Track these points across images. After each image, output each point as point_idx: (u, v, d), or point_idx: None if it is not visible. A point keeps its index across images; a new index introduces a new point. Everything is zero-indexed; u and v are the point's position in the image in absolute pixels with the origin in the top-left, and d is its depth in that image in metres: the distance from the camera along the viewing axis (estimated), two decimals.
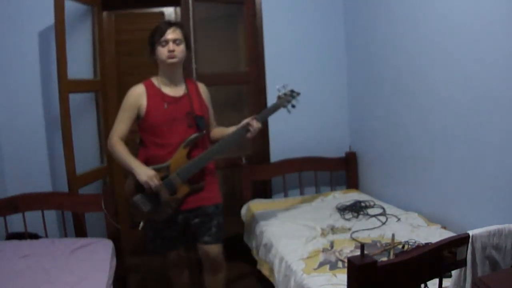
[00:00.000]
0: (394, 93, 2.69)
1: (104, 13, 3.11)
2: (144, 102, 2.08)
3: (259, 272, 2.45)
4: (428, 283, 1.20)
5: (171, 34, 2.04)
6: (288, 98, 2.29)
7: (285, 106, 2.29)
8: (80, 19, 2.94)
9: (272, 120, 3.06)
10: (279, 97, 2.30)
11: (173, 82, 2.13)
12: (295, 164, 3.12)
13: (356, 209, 2.65)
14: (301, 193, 3.16)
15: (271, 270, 2.24)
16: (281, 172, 3.11)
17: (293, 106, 2.31)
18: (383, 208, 2.61)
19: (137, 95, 2.09)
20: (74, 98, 2.72)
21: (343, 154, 3.22)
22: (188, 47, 2.13)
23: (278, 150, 3.16)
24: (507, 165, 1.88)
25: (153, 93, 2.10)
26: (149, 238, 2.20)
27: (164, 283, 2.89)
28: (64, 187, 2.66)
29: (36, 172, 2.88)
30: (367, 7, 2.93)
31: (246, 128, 2.14)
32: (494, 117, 1.93)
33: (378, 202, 2.75)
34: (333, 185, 3.22)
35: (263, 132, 3.09)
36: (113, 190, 2.96)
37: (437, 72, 2.29)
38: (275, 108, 2.27)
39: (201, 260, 2.21)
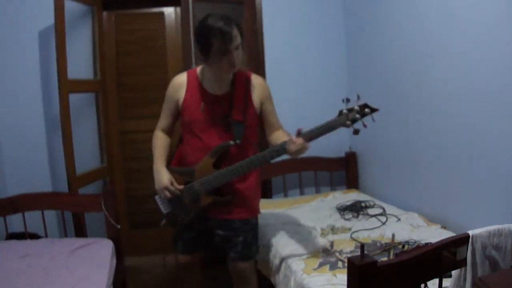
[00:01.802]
0: (394, 93, 2.69)
1: (104, 13, 3.11)
2: (182, 96, 1.88)
3: (259, 272, 2.45)
4: (428, 283, 1.20)
5: (234, 40, 1.70)
6: (353, 116, 1.66)
7: (346, 126, 1.68)
8: (80, 19, 2.94)
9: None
10: (340, 113, 1.69)
11: (220, 81, 1.87)
12: (295, 164, 3.11)
13: (356, 209, 2.64)
14: (301, 193, 3.16)
15: (271, 270, 2.23)
16: (281, 172, 3.10)
17: (365, 126, 1.67)
18: (383, 208, 2.61)
19: (177, 86, 1.91)
20: (74, 98, 2.72)
21: (343, 154, 3.22)
22: (242, 45, 1.79)
23: None
24: (507, 165, 1.88)
25: (193, 88, 1.88)
26: (174, 237, 2.09)
27: (164, 283, 2.89)
28: (64, 187, 2.66)
29: (36, 172, 2.88)
30: (367, 7, 2.93)
31: (285, 147, 1.75)
32: (495, 117, 1.93)
33: (378, 202, 2.75)
34: (333, 185, 3.22)
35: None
36: (113, 190, 2.95)
37: (437, 72, 2.28)
38: (330, 127, 1.71)
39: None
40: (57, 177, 2.90)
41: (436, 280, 1.21)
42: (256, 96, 1.92)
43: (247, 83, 1.90)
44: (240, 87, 1.88)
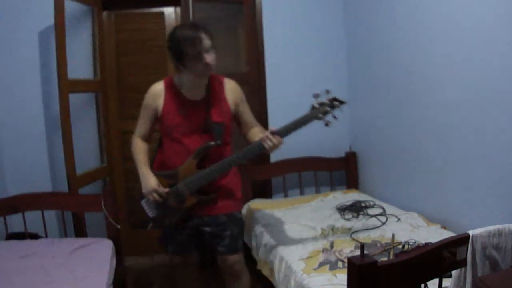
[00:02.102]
0: (394, 93, 2.69)
1: (104, 13, 3.11)
2: (160, 103, 1.97)
3: (259, 272, 2.45)
4: (428, 283, 1.20)
5: (204, 42, 1.82)
6: (325, 109, 1.83)
7: (319, 118, 1.85)
8: (80, 19, 2.94)
9: (272, 120, 3.07)
10: (313, 107, 1.85)
11: (197, 86, 1.97)
12: (295, 164, 3.12)
13: (356, 209, 2.64)
14: (301, 193, 3.16)
15: (271, 270, 2.23)
16: (281, 172, 3.10)
17: (335, 118, 1.85)
18: (383, 208, 2.61)
19: (155, 95, 1.98)
20: (74, 98, 2.72)
21: (343, 154, 3.22)
22: (214, 46, 1.90)
23: (278, 150, 3.14)
24: (507, 165, 1.88)
25: (171, 95, 1.97)
26: (162, 240, 2.16)
27: (164, 283, 2.89)
28: (64, 187, 2.66)
29: (36, 172, 2.88)
30: (368, 7, 2.93)
31: (261, 144, 1.85)
32: (495, 117, 1.93)
33: (378, 202, 2.75)
34: (333, 185, 3.22)
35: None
36: (113, 190, 2.95)
37: (437, 72, 2.29)
38: (304, 120, 1.85)
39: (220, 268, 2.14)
40: (57, 177, 2.90)
41: (436, 280, 1.21)
42: (230, 99, 2.02)
43: (221, 86, 2.02)
44: (215, 90, 1.99)
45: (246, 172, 2.98)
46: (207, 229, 2.04)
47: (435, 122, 2.33)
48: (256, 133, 2.03)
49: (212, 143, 1.94)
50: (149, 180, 1.95)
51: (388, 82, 2.75)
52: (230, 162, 1.92)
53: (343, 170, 3.23)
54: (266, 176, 3.14)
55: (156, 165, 2.07)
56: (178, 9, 3.14)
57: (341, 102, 1.87)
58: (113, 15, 3.14)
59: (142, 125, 2.06)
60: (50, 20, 2.56)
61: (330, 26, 3.23)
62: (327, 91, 1.85)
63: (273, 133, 1.84)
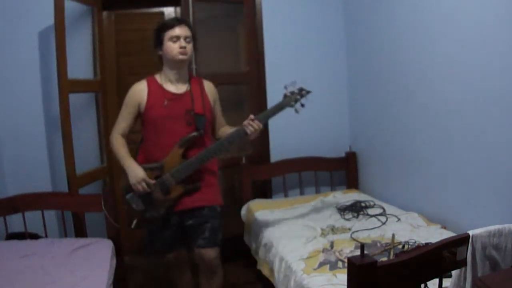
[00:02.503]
0: (394, 93, 2.69)
1: (104, 13, 3.11)
2: (144, 98, 2.06)
3: (259, 272, 2.45)
4: (428, 283, 1.20)
5: (183, 30, 2.01)
6: (295, 97, 2.12)
7: (291, 106, 2.12)
8: (80, 19, 2.94)
9: (272, 119, 3.07)
10: (285, 96, 2.14)
11: (177, 79, 2.09)
12: (295, 164, 3.12)
13: (356, 209, 2.64)
14: (301, 193, 3.17)
15: (271, 270, 2.24)
16: (281, 172, 3.10)
17: (302, 106, 2.14)
18: (383, 208, 2.61)
19: (138, 91, 2.08)
20: (74, 98, 2.72)
21: (343, 154, 3.22)
22: (195, 47, 2.10)
23: (278, 150, 3.16)
24: (507, 165, 1.88)
25: (155, 90, 2.07)
26: (146, 239, 2.19)
27: (164, 283, 2.89)
28: (64, 187, 2.66)
29: (36, 172, 2.88)
30: (368, 7, 2.93)
31: (243, 129, 2.04)
32: (495, 117, 1.93)
33: (378, 202, 2.75)
34: (333, 185, 3.22)
35: (263, 132, 3.09)
36: (113, 190, 2.95)
37: (437, 72, 2.29)
38: (280, 107, 2.11)
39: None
40: (57, 177, 2.90)
41: (436, 280, 1.21)
42: (209, 96, 2.16)
43: (201, 84, 2.16)
44: (196, 87, 2.12)
45: (246, 172, 2.99)
46: (190, 222, 2.08)
47: (435, 122, 2.33)
48: (227, 129, 2.20)
49: (196, 133, 2.03)
50: (137, 170, 2.00)
51: (388, 82, 2.75)
52: (215, 149, 2.04)
53: (343, 170, 3.23)
54: (266, 176, 3.14)
55: (140, 161, 2.10)
56: (178, 9, 3.14)
57: (307, 92, 2.16)
58: (113, 15, 3.14)
59: (122, 122, 2.11)
60: (50, 20, 2.56)
61: (330, 26, 3.23)
62: (294, 82, 2.14)
63: (252, 119, 2.03)
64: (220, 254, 2.14)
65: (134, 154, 2.12)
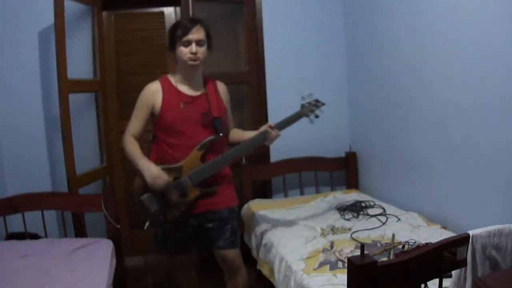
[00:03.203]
0: (394, 93, 2.69)
1: (104, 13, 3.11)
2: (159, 100, 2.01)
3: (259, 272, 2.45)
4: (428, 283, 1.20)
5: (195, 34, 1.95)
6: (311, 108, 2.19)
7: (307, 116, 2.19)
8: (80, 19, 2.94)
9: (272, 119, 3.06)
10: (302, 106, 2.20)
11: (191, 81, 2.05)
12: (295, 164, 3.12)
13: (356, 209, 2.64)
14: (301, 193, 3.16)
15: (271, 270, 2.23)
16: (281, 172, 3.10)
17: (317, 117, 2.21)
18: (383, 208, 2.61)
19: (152, 92, 2.03)
20: (74, 98, 2.72)
21: (343, 154, 3.22)
22: (209, 47, 2.05)
23: (278, 150, 3.16)
24: (507, 165, 1.88)
25: (169, 91, 2.03)
26: (159, 239, 2.16)
27: (164, 283, 2.89)
28: (64, 187, 2.66)
29: (36, 172, 2.88)
30: (367, 7, 2.93)
31: (264, 136, 2.06)
32: (495, 117, 1.93)
33: (378, 202, 2.75)
34: (333, 185, 3.22)
35: None
36: (113, 190, 2.95)
37: (437, 72, 2.28)
38: (297, 117, 2.16)
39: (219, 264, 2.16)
40: (57, 177, 2.90)
41: (436, 280, 1.21)
42: (223, 98, 2.16)
43: (215, 86, 2.14)
44: (211, 89, 2.10)
45: (246, 172, 2.99)
46: (209, 224, 2.06)
47: (436, 122, 2.33)
48: (237, 131, 2.22)
49: (216, 136, 2.02)
50: (153, 168, 1.94)
51: (388, 82, 2.75)
52: (234, 153, 2.03)
53: (343, 170, 3.23)
54: (266, 176, 3.14)
55: (152, 160, 2.04)
56: (178, 9, 3.14)
57: (322, 104, 2.25)
58: (113, 15, 3.15)
59: (135, 124, 2.06)
60: (50, 20, 2.56)
61: (330, 26, 3.23)
62: (310, 94, 2.23)
63: (272, 127, 2.07)
64: (240, 254, 2.15)
65: (146, 152, 2.07)
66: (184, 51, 1.96)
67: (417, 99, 2.47)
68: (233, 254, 2.09)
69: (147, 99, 2.03)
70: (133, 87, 3.13)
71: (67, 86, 2.60)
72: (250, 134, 2.12)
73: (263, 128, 2.08)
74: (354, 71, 3.18)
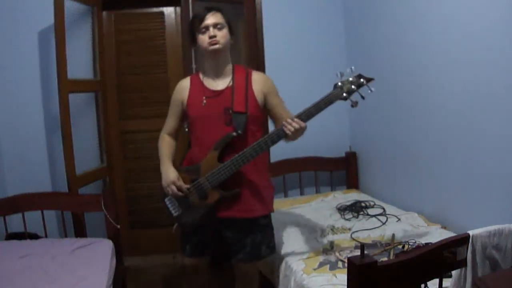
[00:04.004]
0: (394, 93, 2.69)
1: (104, 13, 3.11)
2: (186, 95, 1.95)
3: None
4: (428, 283, 1.20)
5: (211, 18, 1.85)
6: (348, 87, 1.73)
7: (344, 98, 1.74)
8: (80, 19, 2.94)
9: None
10: (335, 86, 1.77)
11: (218, 73, 1.93)
12: (295, 164, 3.12)
13: (356, 209, 2.64)
14: (301, 193, 3.16)
15: (271, 270, 2.23)
16: (281, 172, 3.10)
17: (363, 97, 1.75)
18: (383, 208, 2.61)
19: (181, 89, 1.98)
20: (74, 98, 2.72)
21: (343, 154, 3.22)
22: (231, 32, 1.92)
23: (278, 150, 3.15)
24: (507, 165, 1.88)
25: (196, 87, 1.95)
26: (180, 242, 2.07)
27: (164, 283, 2.89)
28: (64, 187, 2.66)
29: (36, 172, 2.88)
30: (368, 7, 2.93)
31: (282, 129, 1.75)
32: (494, 117, 1.93)
33: (378, 202, 2.75)
34: (333, 185, 3.22)
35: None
36: (113, 190, 2.95)
37: (437, 72, 2.28)
38: (328, 100, 1.74)
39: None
40: (57, 177, 2.90)
41: (436, 280, 1.21)
42: (257, 90, 1.94)
43: (247, 77, 1.94)
44: (239, 80, 1.92)
45: None
46: (228, 233, 1.95)
47: (435, 122, 2.33)
48: None
49: (232, 134, 1.83)
50: (169, 173, 1.90)
51: (388, 82, 2.74)
52: (251, 152, 1.79)
53: (343, 170, 3.23)
54: None
55: (186, 163, 2.00)
56: (178, 9, 3.14)
57: (368, 80, 1.74)
58: (113, 15, 3.14)
59: (169, 122, 2.03)
60: (50, 20, 2.56)
61: (330, 26, 3.23)
62: (352, 69, 1.74)
63: (292, 118, 1.75)
64: (257, 267, 2.10)
65: (182, 158, 2.02)
66: (203, 38, 1.86)
67: (417, 99, 2.47)
68: (249, 267, 2.02)
69: (177, 95, 1.99)
70: (133, 87, 3.16)
71: (67, 86, 2.60)
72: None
73: (284, 121, 1.77)
74: (354, 71, 3.18)
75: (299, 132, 1.75)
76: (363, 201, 2.74)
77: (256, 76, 1.98)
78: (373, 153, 3.02)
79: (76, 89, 2.75)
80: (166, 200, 1.97)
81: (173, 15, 3.19)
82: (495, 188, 1.95)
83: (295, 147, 3.11)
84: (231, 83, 1.92)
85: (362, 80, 1.74)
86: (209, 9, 1.88)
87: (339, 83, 1.76)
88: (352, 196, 2.93)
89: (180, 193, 1.90)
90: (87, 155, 2.98)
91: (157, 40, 3.17)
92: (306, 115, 1.76)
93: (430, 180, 2.42)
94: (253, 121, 1.90)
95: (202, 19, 1.85)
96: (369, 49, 2.95)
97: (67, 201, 2.53)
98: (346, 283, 1.09)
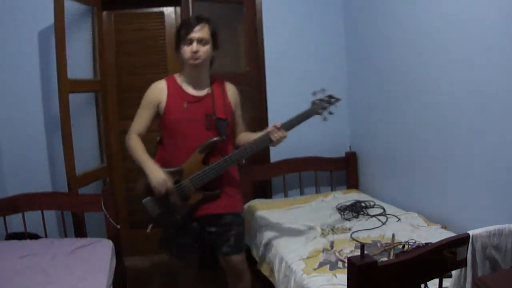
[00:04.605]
0: (394, 93, 2.69)
1: (104, 13, 3.11)
2: (163, 99, 1.97)
3: (259, 272, 2.45)
4: (428, 283, 1.20)
5: (198, 32, 1.89)
6: (323, 105, 2.03)
7: (319, 113, 2.03)
8: (80, 19, 2.94)
9: (272, 119, 3.07)
10: (313, 103, 2.03)
11: (196, 81, 2.00)
12: (295, 164, 3.12)
13: (356, 209, 2.64)
14: (301, 193, 3.17)
15: (271, 270, 2.23)
16: (281, 172, 3.10)
17: (331, 113, 2.04)
18: (383, 208, 2.61)
19: (157, 91, 1.99)
20: (74, 98, 2.72)
21: (343, 154, 3.22)
22: (215, 46, 1.98)
23: (278, 150, 3.14)
24: (507, 165, 1.88)
25: (174, 90, 1.98)
26: (163, 243, 2.13)
27: (163, 283, 2.89)
28: (64, 187, 2.66)
29: (36, 172, 2.88)
30: (367, 7, 2.93)
31: (268, 137, 1.94)
32: (494, 117, 1.93)
33: (378, 202, 2.75)
34: (333, 185, 3.22)
35: None
36: (113, 190, 2.95)
37: (437, 72, 2.28)
38: (307, 115, 2.00)
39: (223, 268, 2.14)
40: (57, 177, 2.90)
41: (436, 280, 1.21)
42: (231, 99, 2.08)
43: (223, 87, 2.07)
44: (217, 89, 2.03)
45: (246, 172, 2.99)
46: (212, 229, 2.02)
47: (435, 122, 2.33)
48: (248, 135, 2.10)
49: (218, 138, 1.95)
50: (158, 172, 1.89)
51: (388, 82, 2.75)
52: (237, 156, 1.95)
53: (343, 170, 3.23)
54: (266, 176, 3.13)
55: (156, 162, 2.01)
56: (178, 9, 3.14)
57: (337, 99, 2.07)
58: (113, 15, 3.15)
59: (140, 123, 2.01)
60: (50, 20, 2.56)
61: (330, 26, 3.23)
62: (323, 89, 2.07)
63: (278, 127, 1.93)
64: (245, 259, 2.12)
65: (152, 154, 2.02)
66: (186, 50, 1.91)
67: (417, 99, 2.47)
68: (237, 259, 2.05)
69: (153, 97, 1.99)
70: (133, 87, 3.16)
71: (67, 86, 2.60)
72: (254, 137, 2.02)
73: (268, 128, 1.96)
74: (354, 71, 3.18)
75: (281, 140, 1.96)
76: (363, 201, 2.74)
77: (229, 86, 2.11)
78: (373, 153, 3.02)
79: (76, 89, 2.75)
80: (144, 201, 1.98)
81: (173, 15, 3.20)
82: (495, 188, 1.95)
83: (295, 147, 3.14)
84: (210, 91, 2.02)
85: (332, 99, 2.07)
86: (198, 20, 1.92)
87: (316, 101, 2.05)
88: (352, 196, 2.93)
89: (170, 191, 1.92)
90: (87, 155, 2.98)
91: (157, 40, 3.18)
92: (289, 125, 1.97)
93: (430, 180, 2.42)
94: (230, 127, 2.04)
95: (189, 30, 1.90)
96: (369, 49, 2.95)
97: (67, 201, 2.53)
98: (346, 283, 1.08)
